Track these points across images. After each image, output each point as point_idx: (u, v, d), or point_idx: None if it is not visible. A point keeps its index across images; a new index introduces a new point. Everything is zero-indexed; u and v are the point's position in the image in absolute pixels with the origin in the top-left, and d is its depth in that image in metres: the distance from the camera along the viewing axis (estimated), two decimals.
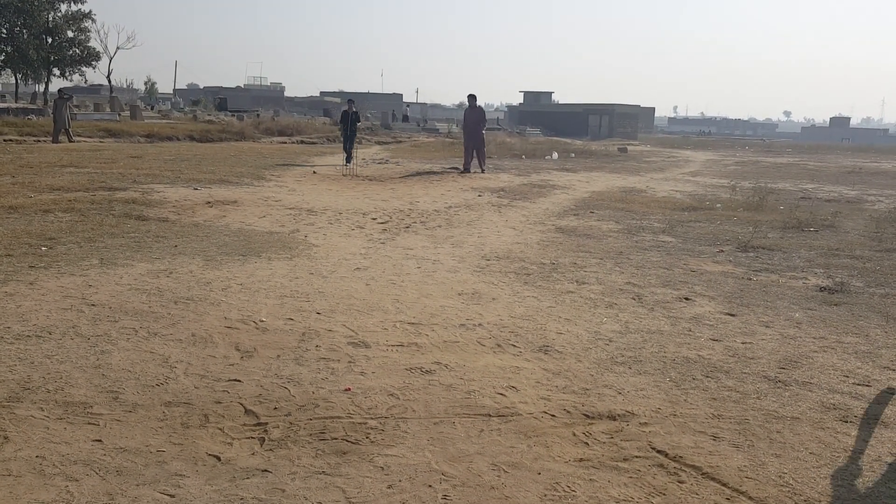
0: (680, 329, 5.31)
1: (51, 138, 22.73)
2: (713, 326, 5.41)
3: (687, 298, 6.21)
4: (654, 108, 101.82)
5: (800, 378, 4.37)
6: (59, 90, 25.01)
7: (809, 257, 8.25)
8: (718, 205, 13.24)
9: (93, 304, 5.25)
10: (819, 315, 5.82)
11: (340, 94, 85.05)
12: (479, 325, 5.22)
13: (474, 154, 18.38)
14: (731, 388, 4.15)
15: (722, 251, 8.51)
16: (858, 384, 4.31)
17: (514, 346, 4.80)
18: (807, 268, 7.66)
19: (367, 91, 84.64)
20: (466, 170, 18.08)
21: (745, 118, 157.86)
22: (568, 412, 3.74)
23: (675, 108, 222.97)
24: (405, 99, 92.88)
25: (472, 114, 18.49)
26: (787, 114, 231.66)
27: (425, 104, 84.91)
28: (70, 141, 22.79)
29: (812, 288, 6.75)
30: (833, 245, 9.04)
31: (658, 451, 3.33)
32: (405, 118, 54.85)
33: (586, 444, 3.40)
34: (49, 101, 49.94)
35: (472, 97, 18.69)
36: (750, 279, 7.08)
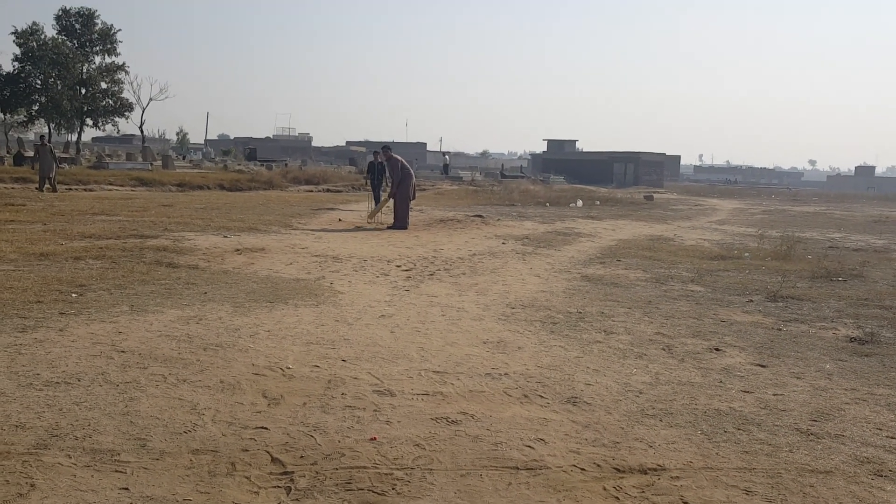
0: (711, 380, 5.23)
1: (49, 186, 22.03)
2: (744, 378, 5.32)
3: (717, 349, 6.14)
4: (679, 157, 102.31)
5: (832, 431, 4.27)
6: (41, 137, 25.20)
7: (839, 307, 8.13)
8: (747, 254, 13.13)
9: (122, 351, 5.29)
10: (850, 366, 5.72)
11: (366, 143, 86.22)
12: (505, 374, 5.19)
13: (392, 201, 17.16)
14: (762, 441, 4.07)
15: (751, 301, 8.41)
16: (892, 437, 4.21)
17: (542, 396, 4.75)
18: (836, 318, 7.55)
19: (391, 140, 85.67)
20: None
21: (771, 167, 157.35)
22: (598, 466, 3.68)
23: (701, 156, 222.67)
24: (429, 148, 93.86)
25: (388, 165, 17.33)
26: (812, 163, 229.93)
27: (449, 152, 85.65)
28: (54, 191, 21.90)
29: (842, 338, 6.64)
30: (862, 295, 8.91)
31: None
32: (445, 169, 53.56)
33: (617, 498, 3.34)
34: (82, 150, 51.08)
35: (385, 148, 17.77)
36: (780, 329, 6.98)
